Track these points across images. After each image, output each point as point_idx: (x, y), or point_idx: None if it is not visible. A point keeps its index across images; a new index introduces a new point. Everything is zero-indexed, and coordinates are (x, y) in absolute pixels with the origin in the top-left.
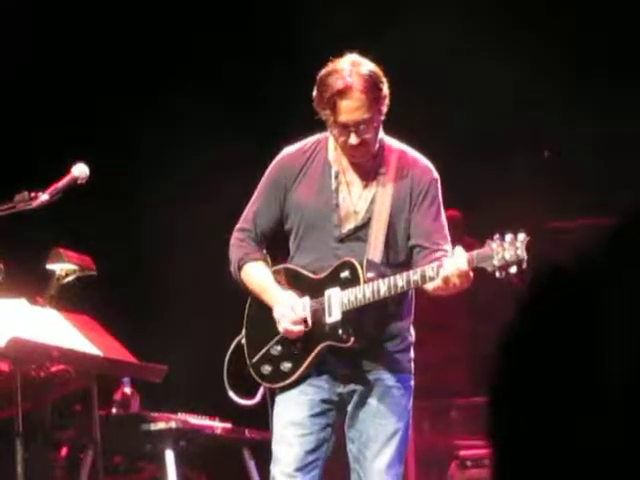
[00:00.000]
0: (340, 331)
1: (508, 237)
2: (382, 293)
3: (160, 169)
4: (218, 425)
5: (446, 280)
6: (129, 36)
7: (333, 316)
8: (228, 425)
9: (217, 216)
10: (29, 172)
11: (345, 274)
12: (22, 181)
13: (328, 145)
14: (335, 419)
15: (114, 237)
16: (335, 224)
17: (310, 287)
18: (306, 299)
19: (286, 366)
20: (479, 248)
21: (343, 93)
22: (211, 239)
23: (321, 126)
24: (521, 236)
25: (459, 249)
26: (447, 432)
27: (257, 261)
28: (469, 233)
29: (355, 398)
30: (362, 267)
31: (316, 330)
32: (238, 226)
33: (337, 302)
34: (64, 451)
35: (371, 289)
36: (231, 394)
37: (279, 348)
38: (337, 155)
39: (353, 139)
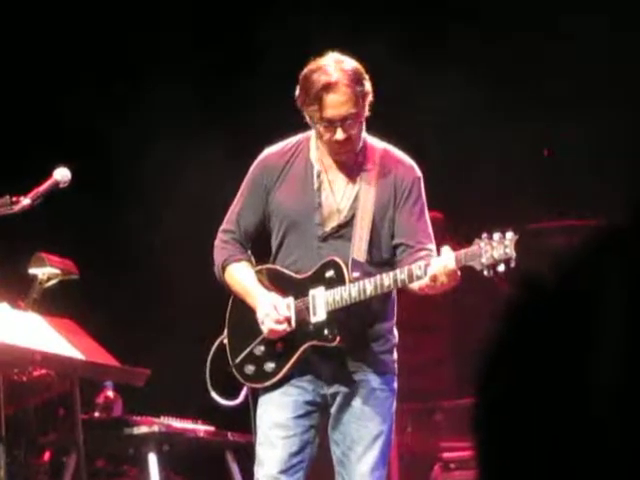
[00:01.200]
0: (325, 331)
1: (496, 236)
2: (368, 292)
3: (140, 170)
4: (201, 428)
5: (434, 279)
6: (99, 34)
7: (318, 316)
8: (211, 428)
9: (200, 216)
10: (11, 176)
11: (330, 273)
12: (3, 185)
13: (310, 144)
14: (319, 421)
15: (96, 240)
16: (317, 223)
17: (294, 287)
18: (290, 299)
19: (269, 366)
20: (466, 247)
21: (329, 88)
22: (193, 240)
23: (299, 125)
24: (509, 234)
25: (446, 248)
26: (431, 434)
27: (240, 262)
28: (451, 234)
29: (339, 400)
30: (347, 266)
31: (300, 330)
32: (222, 227)
33: (322, 302)
34: (47, 455)
35: (357, 288)
36: (213, 394)
37: (262, 348)
38: (319, 154)
39: (339, 134)
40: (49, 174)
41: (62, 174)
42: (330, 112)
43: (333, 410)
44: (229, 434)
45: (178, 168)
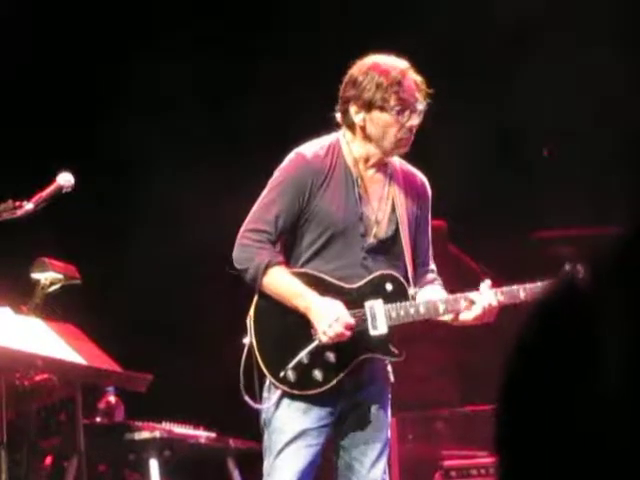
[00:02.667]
0: (391, 346)
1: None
2: (440, 311)
3: (144, 176)
4: (202, 434)
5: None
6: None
7: (379, 329)
8: (212, 434)
9: (203, 222)
10: (14, 180)
11: (390, 287)
12: (6, 189)
13: (342, 150)
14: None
15: (98, 245)
16: (362, 234)
17: (341, 296)
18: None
19: (317, 374)
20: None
21: (407, 72)
22: (196, 245)
23: (298, 129)
24: None
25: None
26: (432, 442)
27: (282, 265)
28: (453, 243)
29: (357, 409)
30: (408, 282)
31: (357, 341)
32: (253, 226)
33: (382, 315)
34: (48, 460)
35: (426, 306)
36: (247, 399)
37: (309, 355)
38: (353, 160)
39: (415, 119)
40: (52, 179)
41: (65, 179)
42: (410, 94)
43: (349, 418)
44: (230, 440)
45: (182, 176)
